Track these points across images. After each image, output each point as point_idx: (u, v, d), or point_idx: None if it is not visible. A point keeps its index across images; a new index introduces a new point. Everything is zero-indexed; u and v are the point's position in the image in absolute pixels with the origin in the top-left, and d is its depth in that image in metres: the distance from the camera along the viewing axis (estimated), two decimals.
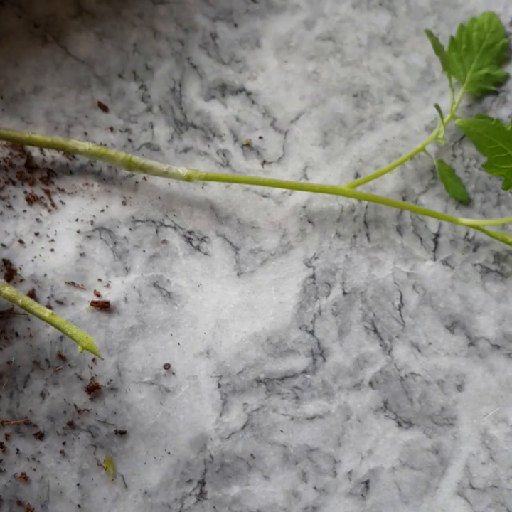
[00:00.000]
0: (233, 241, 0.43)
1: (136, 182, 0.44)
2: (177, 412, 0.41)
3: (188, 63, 0.45)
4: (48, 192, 0.43)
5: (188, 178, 0.42)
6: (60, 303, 0.42)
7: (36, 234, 0.43)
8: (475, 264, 0.43)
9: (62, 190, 0.43)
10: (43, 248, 0.43)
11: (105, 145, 0.44)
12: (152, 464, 0.41)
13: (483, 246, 0.43)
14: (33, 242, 0.43)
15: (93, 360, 0.41)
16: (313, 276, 0.43)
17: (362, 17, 0.46)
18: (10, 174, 0.43)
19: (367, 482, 0.41)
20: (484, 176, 0.44)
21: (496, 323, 0.43)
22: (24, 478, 0.40)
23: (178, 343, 0.42)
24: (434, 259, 0.43)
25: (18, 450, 0.40)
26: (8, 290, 0.39)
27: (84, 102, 0.45)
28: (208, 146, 0.45)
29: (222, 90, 0.45)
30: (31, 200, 0.43)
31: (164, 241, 0.43)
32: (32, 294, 0.42)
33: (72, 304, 0.42)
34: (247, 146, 0.45)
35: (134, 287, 0.42)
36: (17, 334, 0.41)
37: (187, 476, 0.41)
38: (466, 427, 0.41)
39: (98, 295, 0.42)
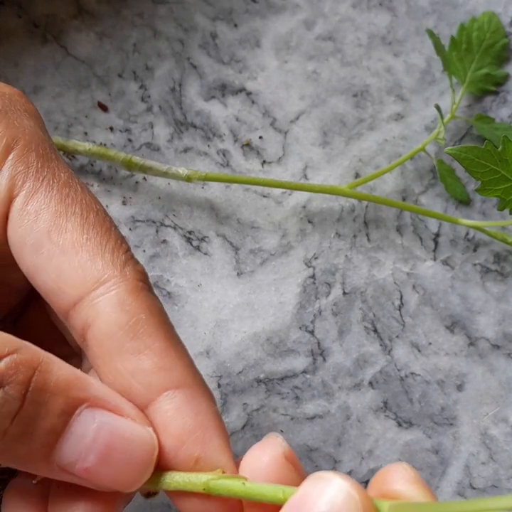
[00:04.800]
0: (233, 241, 0.43)
1: (136, 182, 0.44)
2: None
3: (188, 63, 0.45)
4: None
5: (188, 179, 0.42)
6: None
7: None
8: (475, 264, 0.43)
9: None
10: None
11: (105, 145, 0.44)
12: None
13: (483, 246, 0.43)
14: None
15: None
16: (313, 276, 0.43)
17: (362, 17, 0.46)
18: None
19: (367, 482, 0.41)
20: None
21: (496, 323, 0.43)
22: None
23: None
24: (434, 259, 0.43)
25: None
26: None
27: (84, 102, 0.45)
28: (208, 146, 0.45)
29: (222, 90, 0.45)
30: None
31: (164, 241, 0.43)
32: None
33: None
34: (247, 146, 0.45)
35: None
36: None
37: None
38: (466, 426, 0.41)
39: None
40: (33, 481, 0.25)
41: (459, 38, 0.44)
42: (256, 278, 0.43)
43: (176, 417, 0.24)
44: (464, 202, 0.44)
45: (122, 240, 0.26)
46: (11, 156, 0.26)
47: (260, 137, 0.45)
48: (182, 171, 0.42)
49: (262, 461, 0.24)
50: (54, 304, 0.26)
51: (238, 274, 0.43)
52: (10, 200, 0.26)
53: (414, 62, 0.46)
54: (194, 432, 0.25)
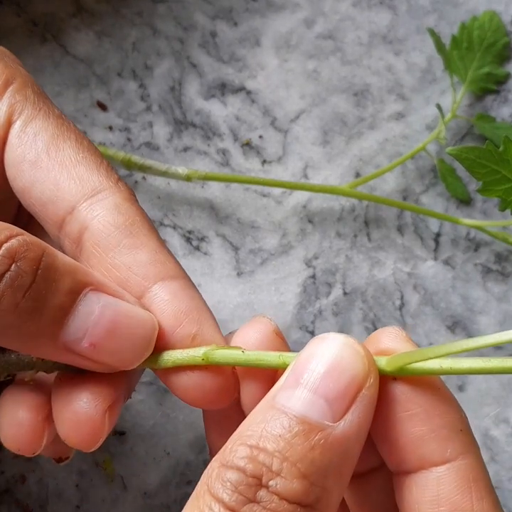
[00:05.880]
0: (233, 241, 0.43)
1: (136, 181, 0.44)
2: (176, 413, 0.41)
3: (188, 62, 0.45)
4: None
5: (188, 178, 0.42)
6: None
7: None
8: (476, 264, 0.43)
9: None
10: None
11: (104, 144, 0.44)
12: (151, 465, 0.40)
13: (484, 246, 0.43)
14: None
15: None
16: (313, 276, 0.43)
17: (362, 15, 0.46)
18: None
19: None
20: None
21: (497, 323, 0.42)
22: (23, 479, 0.40)
23: None
24: (435, 259, 0.43)
25: None
26: None
27: (83, 101, 0.45)
28: (208, 145, 0.44)
29: (222, 89, 0.45)
30: None
31: (164, 241, 0.43)
32: None
33: None
34: (247, 145, 0.45)
35: None
36: None
37: (186, 477, 0.40)
38: None
39: None
40: (25, 379, 0.27)
41: (460, 36, 0.44)
42: (256, 278, 0.43)
43: (173, 301, 0.26)
44: (464, 201, 0.44)
45: (113, 166, 0.28)
46: (10, 88, 0.28)
47: (260, 136, 0.45)
48: (181, 170, 0.42)
49: (254, 338, 0.26)
50: (50, 213, 0.27)
51: (238, 274, 0.43)
52: (9, 124, 0.28)
53: (414, 61, 0.46)
54: (190, 312, 0.26)
